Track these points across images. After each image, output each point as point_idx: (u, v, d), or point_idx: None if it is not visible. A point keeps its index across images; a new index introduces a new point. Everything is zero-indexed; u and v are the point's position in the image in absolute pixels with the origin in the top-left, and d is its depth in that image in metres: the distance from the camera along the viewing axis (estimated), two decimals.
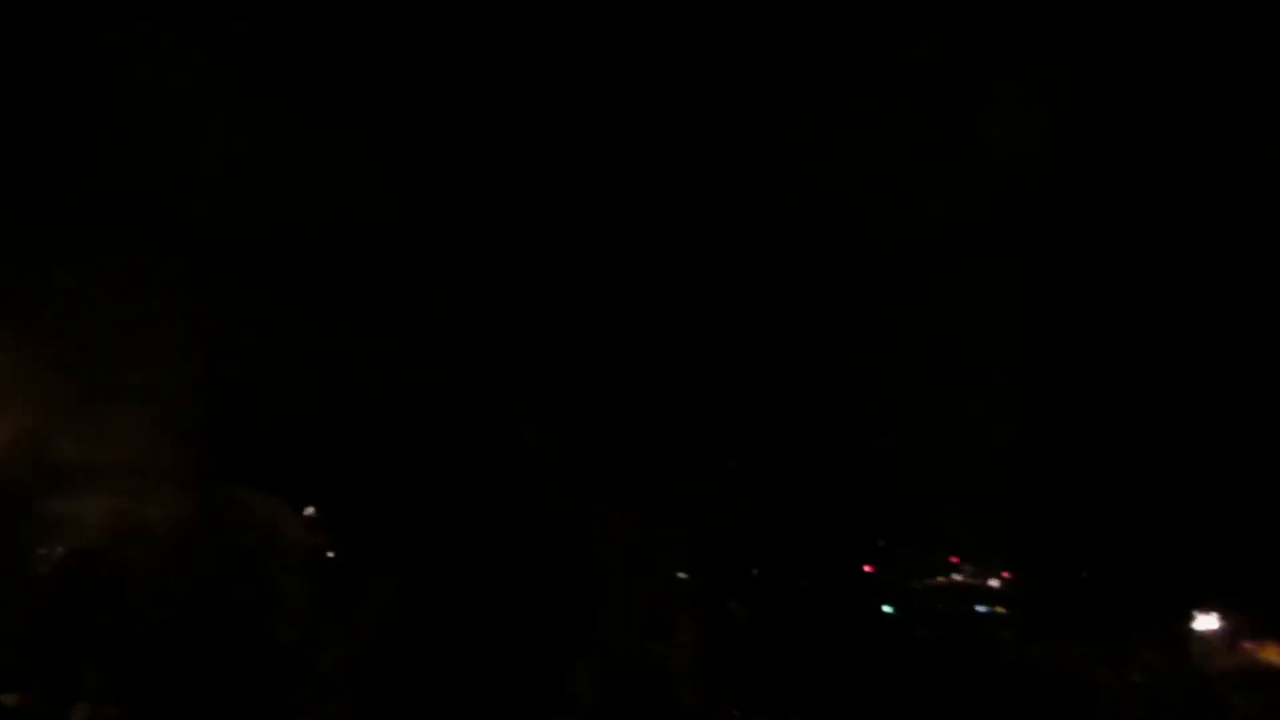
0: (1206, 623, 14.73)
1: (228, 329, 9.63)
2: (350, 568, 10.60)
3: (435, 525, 10.86)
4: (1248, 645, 9.71)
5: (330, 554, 11.24)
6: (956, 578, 39.31)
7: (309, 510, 11.44)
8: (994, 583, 39.22)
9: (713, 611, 9.73)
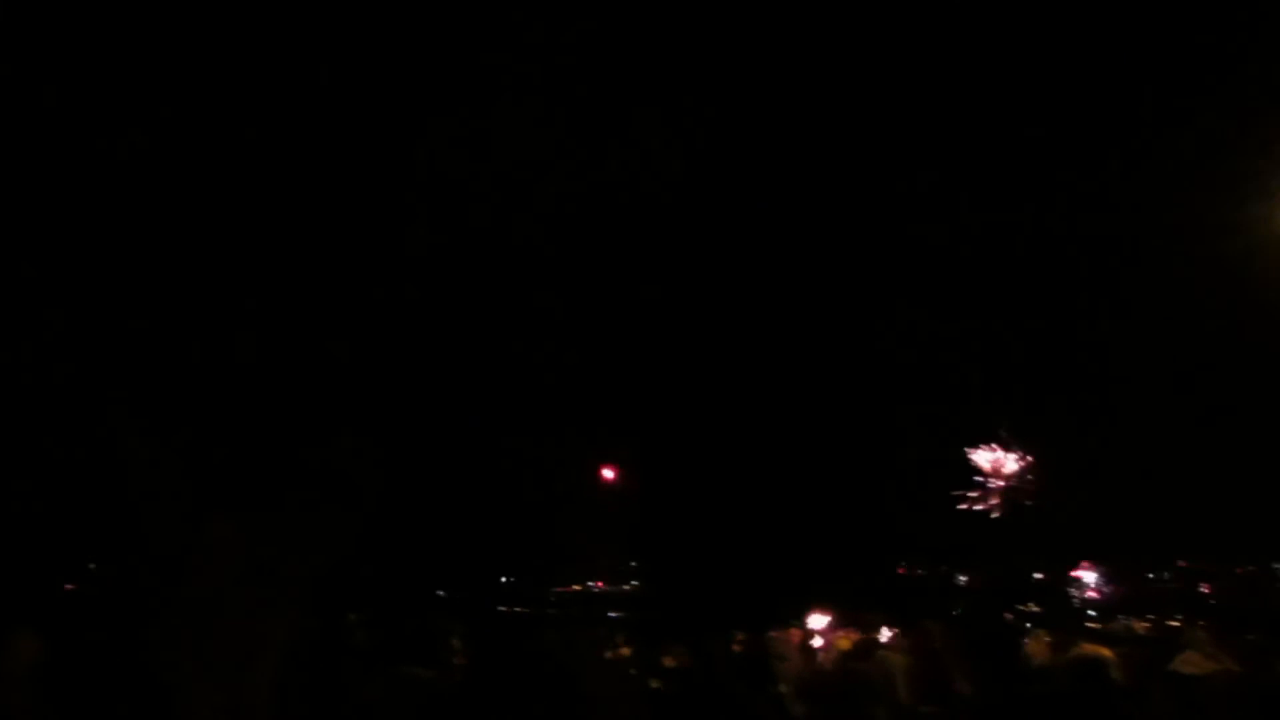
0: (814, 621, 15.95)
1: None
2: None
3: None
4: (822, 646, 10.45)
5: None
6: (592, 586, 40.57)
7: None
8: (626, 588, 40.91)
9: (335, 625, 9.15)
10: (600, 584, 38.70)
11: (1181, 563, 45.02)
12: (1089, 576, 49.10)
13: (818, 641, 11.39)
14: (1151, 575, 46.15)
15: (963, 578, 46.44)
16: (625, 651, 10.07)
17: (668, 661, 9.52)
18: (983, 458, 45.60)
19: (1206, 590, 42.75)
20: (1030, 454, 44.93)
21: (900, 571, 42.43)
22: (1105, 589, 47.14)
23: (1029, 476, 45.23)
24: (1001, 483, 45.31)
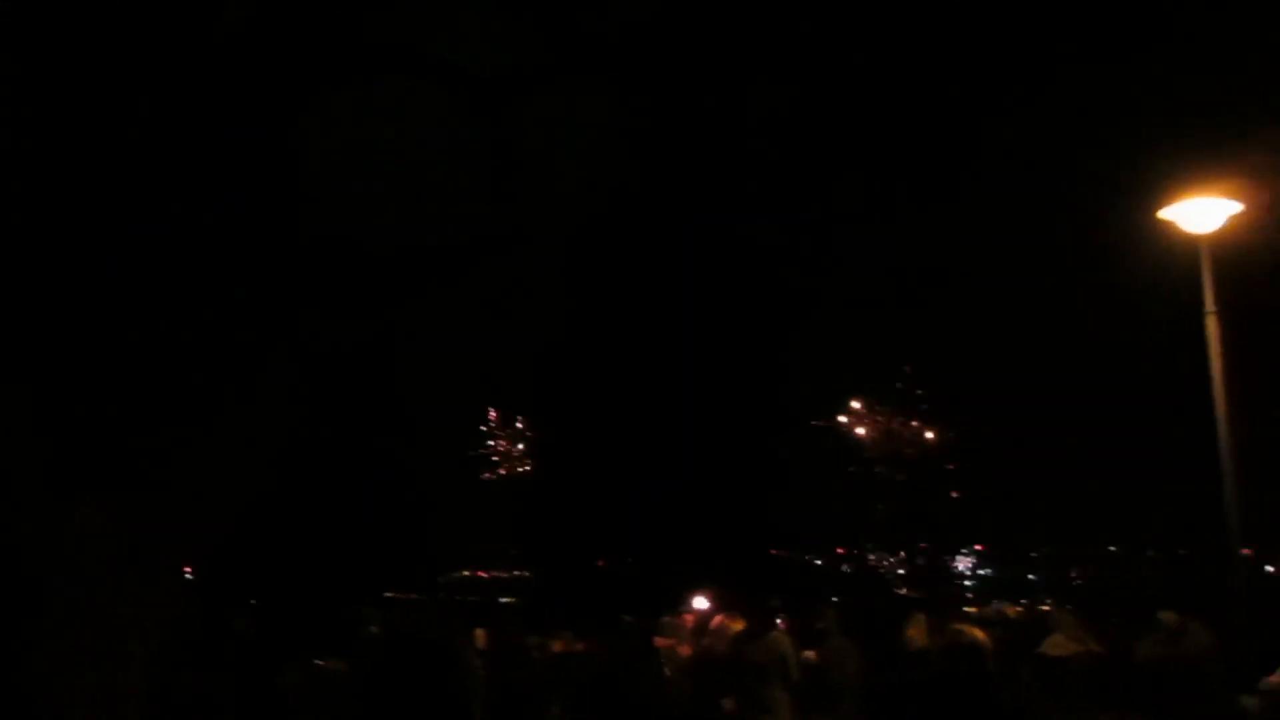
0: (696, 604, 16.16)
1: None
2: None
3: None
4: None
5: None
6: (481, 573, 40.30)
7: None
8: (517, 574, 40.68)
9: (216, 617, 8.87)
10: (484, 572, 38.57)
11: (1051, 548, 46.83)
12: (966, 563, 50.77)
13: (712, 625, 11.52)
14: (1027, 560, 47.87)
15: (846, 566, 47.51)
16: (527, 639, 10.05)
17: (557, 646, 9.55)
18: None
19: (1075, 575, 44.60)
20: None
21: (779, 554, 43.20)
22: (982, 574, 48.82)
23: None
24: None
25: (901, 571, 47.66)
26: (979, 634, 5.86)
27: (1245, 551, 10.72)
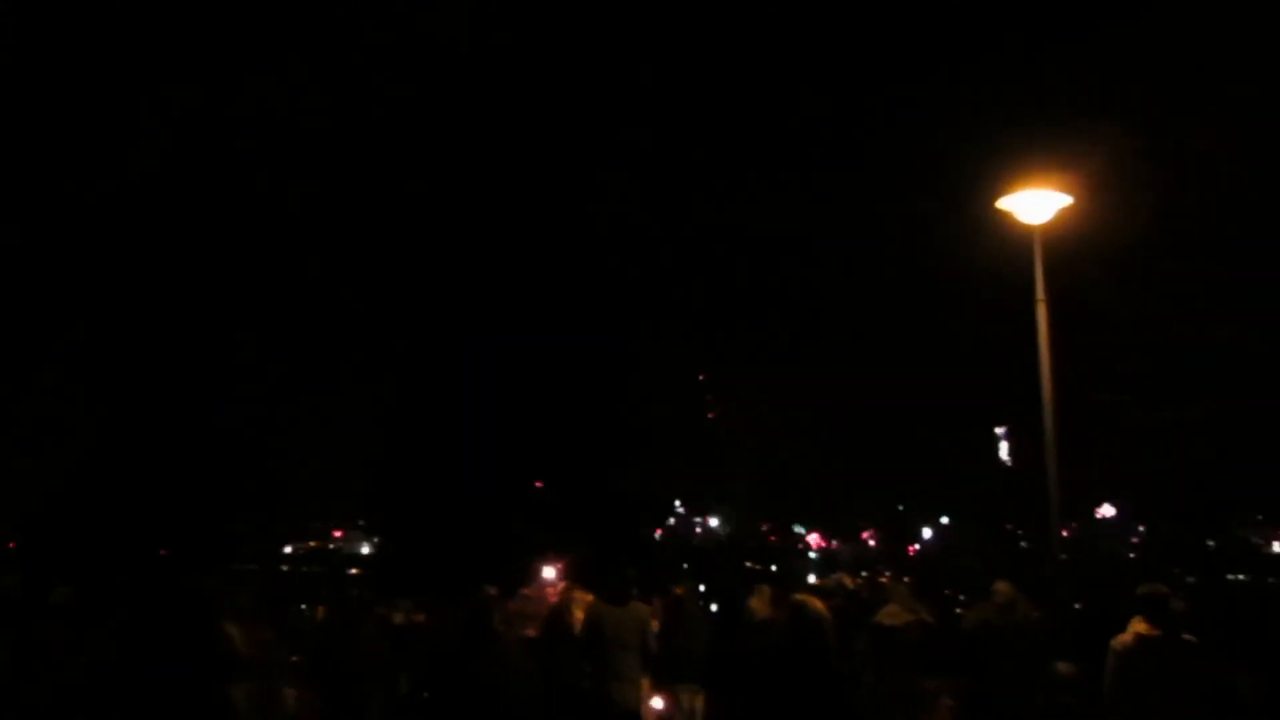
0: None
1: None
2: None
3: None
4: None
5: None
6: (331, 545, 39.41)
7: None
8: (365, 549, 40.08)
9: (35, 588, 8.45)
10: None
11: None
12: (813, 537, 52.35)
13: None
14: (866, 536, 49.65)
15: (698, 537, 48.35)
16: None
17: (397, 618, 9.43)
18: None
19: (912, 550, 46.54)
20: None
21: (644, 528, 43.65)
22: (826, 548, 50.44)
23: None
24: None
25: (753, 547, 48.81)
26: (819, 605, 6.08)
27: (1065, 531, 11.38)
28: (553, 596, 10.44)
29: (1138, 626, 6.90)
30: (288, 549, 35.29)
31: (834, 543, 50.66)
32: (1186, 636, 6.94)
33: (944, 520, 48.31)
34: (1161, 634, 6.74)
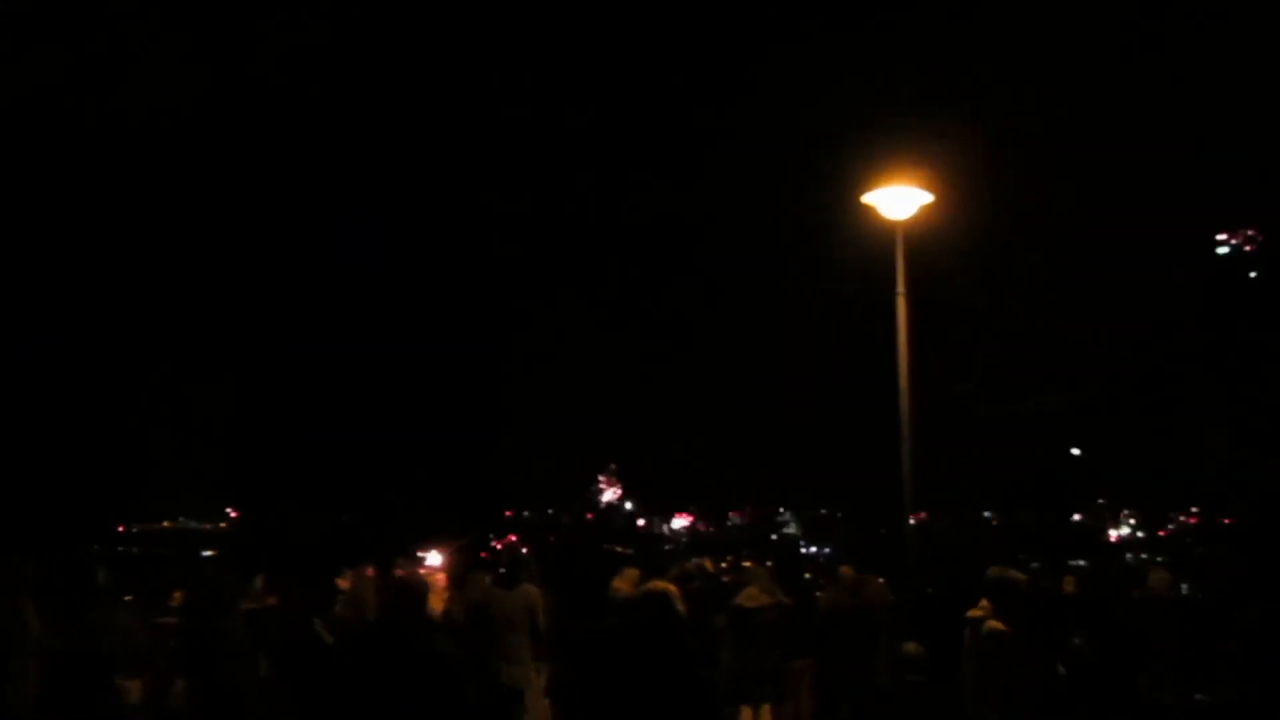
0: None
1: None
2: None
3: None
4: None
5: None
6: (188, 525, 38.16)
7: None
8: (221, 528, 38.77)
9: None
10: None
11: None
12: (680, 522, 53.05)
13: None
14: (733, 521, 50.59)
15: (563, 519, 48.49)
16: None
17: (245, 603, 9.16)
18: None
19: (774, 535, 47.60)
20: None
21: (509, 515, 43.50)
22: (692, 531, 51.21)
23: None
24: None
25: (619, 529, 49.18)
26: (670, 586, 6.28)
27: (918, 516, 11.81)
28: (439, 579, 10.37)
29: (990, 619, 7.11)
30: (135, 530, 34.00)
31: (701, 526, 51.44)
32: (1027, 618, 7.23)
33: (810, 507, 49.58)
34: (1008, 627, 6.99)
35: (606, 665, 5.90)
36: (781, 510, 50.63)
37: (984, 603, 7.20)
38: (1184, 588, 12.08)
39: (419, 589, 5.67)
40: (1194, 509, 34.35)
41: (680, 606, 5.99)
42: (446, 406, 32.49)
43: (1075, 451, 31.81)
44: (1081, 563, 26.48)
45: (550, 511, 47.77)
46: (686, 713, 5.59)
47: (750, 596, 9.05)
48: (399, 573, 9.74)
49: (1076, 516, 41.23)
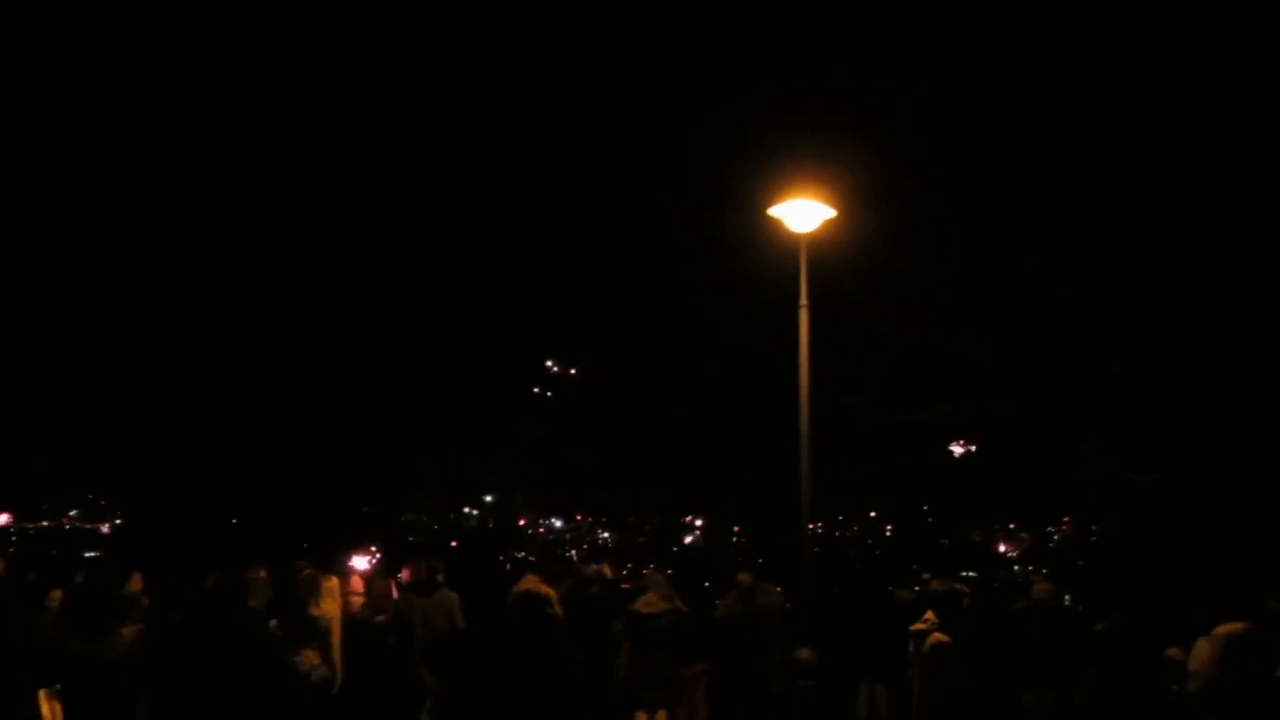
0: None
1: None
2: None
3: None
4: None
5: None
6: (67, 525, 36.60)
7: None
8: (105, 528, 37.55)
9: None
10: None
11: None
12: (558, 521, 53.11)
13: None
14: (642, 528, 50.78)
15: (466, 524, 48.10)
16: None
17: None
18: None
19: (674, 544, 47.92)
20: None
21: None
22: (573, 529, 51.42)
23: None
24: None
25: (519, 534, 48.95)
26: (546, 589, 6.51)
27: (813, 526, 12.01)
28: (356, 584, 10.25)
29: (935, 631, 7.15)
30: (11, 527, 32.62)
31: (604, 535, 51.49)
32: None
33: (708, 517, 50.03)
34: (952, 639, 7.06)
35: (484, 663, 6.12)
36: (687, 518, 51.05)
37: (929, 615, 7.26)
38: (1066, 598, 12.52)
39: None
40: (1065, 520, 35.52)
41: (557, 609, 6.18)
42: (342, 410, 31.77)
43: (957, 451, 32.67)
44: (973, 574, 27.18)
45: (452, 516, 47.27)
46: (553, 708, 5.79)
47: (648, 603, 9.13)
48: (308, 572, 9.64)
49: (976, 538, 42.42)
